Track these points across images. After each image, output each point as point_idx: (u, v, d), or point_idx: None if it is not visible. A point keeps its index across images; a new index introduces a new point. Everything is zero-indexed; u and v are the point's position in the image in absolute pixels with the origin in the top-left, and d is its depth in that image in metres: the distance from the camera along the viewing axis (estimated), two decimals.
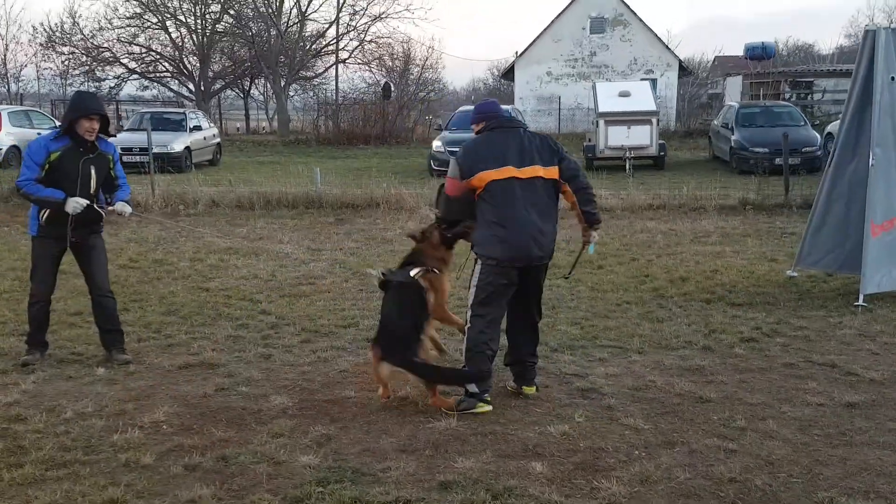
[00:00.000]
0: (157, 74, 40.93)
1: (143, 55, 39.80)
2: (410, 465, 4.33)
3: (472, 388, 5.16)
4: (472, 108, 26.73)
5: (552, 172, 5.18)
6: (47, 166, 5.83)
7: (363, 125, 32.88)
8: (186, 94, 40.60)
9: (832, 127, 22.29)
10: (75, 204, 5.83)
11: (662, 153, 21.28)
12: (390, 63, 39.08)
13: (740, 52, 36.88)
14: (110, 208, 6.14)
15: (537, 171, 5.14)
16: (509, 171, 5.09)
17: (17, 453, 4.47)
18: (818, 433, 4.75)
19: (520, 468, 4.29)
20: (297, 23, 39.96)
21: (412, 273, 5.46)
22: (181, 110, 28.02)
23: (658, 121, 21.42)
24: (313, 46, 39.94)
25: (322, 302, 8.00)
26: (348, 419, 5.00)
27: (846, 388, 5.47)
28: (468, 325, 5.24)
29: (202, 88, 39.37)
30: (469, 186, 5.18)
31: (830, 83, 26.49)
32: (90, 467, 4.29)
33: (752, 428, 4.82)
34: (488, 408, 5.14)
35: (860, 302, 7.51)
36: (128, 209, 6.22)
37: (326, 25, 39.56)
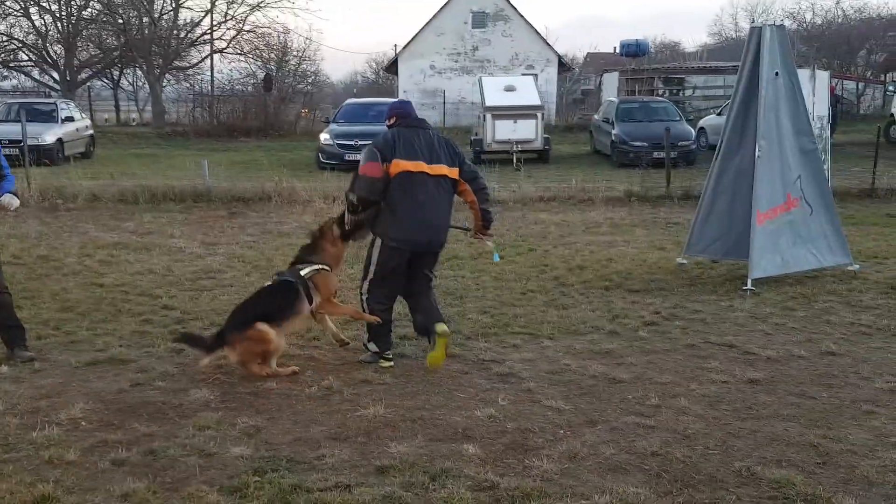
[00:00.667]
0: (18, 63, 38.61)
1: (5, 43, 37.46)
2: (345, 452, 4.33)
3: (373, 346, 5.81)
4: (358, 101, 26.42)
5: (454, 173, 5.76)
6: None
7: (243, 117, 32.10)
8: (51, 83, 38.45)
9: (704, 121, 23.50)
10: None
11: (547, 147, 21.84)
12: (268, 54, 38.27)
13: (612, 49, 38.15)
14: None
15: (443, 169, 5.69)
16: (422, 166, 5.61)
17: None
18: (727, 408, 5.04)
19: (453, 451, 4.37)
20: (170, 10, 38.53)
21: (303, 272, 5.68)
22: (52, 100, 26.53)
23: (543, 115, 21.95)
24: (188, 35, 38.61)
25: (226, 296, 7.82)
26: (274, 410, 4.95)
27: (746, 366, 5.82)
28: (366, 295, 5.79)
29: (68, 78, 37.38)
30: (387, 170, 5.54)
31: (700, 80, 27.81)
32: (13, 465, 4.10)
33: (665, 405, 5.07)
34: (389, 364, 5.77)
35: (748, 286, 7.97)
36: (15, 201, 5.96)
37: (202, 14, 38.35)
